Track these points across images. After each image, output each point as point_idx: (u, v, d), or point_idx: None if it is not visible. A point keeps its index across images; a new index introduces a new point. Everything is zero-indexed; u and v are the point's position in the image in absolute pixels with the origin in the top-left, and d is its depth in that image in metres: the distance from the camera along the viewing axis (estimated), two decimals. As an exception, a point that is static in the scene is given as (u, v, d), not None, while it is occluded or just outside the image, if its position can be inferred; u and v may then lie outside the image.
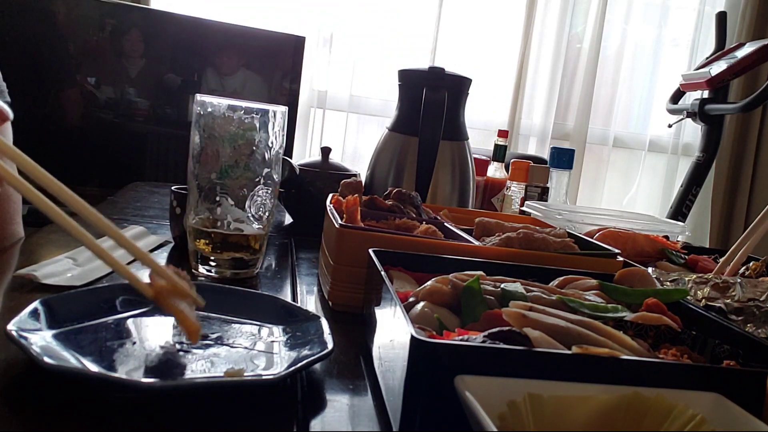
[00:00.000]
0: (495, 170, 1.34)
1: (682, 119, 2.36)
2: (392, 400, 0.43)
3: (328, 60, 2.48)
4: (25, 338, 0.44)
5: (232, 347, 0.52)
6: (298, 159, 1.19)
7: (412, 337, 0.38)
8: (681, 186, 2.36)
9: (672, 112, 2.38)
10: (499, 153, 1.34)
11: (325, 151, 1.16)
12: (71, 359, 0.44)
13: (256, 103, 0.73)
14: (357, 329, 0.61)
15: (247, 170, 0.73)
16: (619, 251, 0.73)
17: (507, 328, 0.41)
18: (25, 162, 0.43)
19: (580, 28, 2.75)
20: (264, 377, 0.46)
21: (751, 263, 0.80)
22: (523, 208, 1.11)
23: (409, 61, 2.41)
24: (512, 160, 1.31)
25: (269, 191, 0.75)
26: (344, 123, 2.54)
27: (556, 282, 0.59)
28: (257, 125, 0.73)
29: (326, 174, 1.11)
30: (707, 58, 2.26)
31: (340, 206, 0.77)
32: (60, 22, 1.75)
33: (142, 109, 1.85)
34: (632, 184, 2.91)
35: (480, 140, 2.23)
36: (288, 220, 1.19)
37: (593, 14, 2.69)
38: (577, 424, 0.35)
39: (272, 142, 0.74)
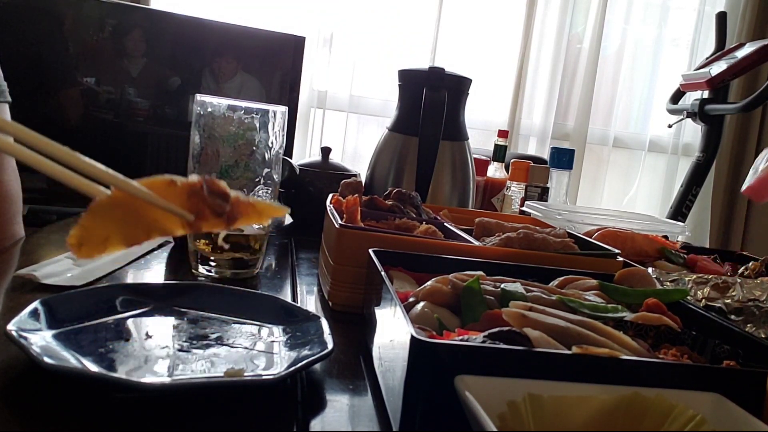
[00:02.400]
0: (495, 170, 1.34)
1: (682, 119, 2.36)
2: (392, 400, 0.43)
3: (328, 60, 2.48)
4: (25, 338, 0.44)
5: (232, 347, 0.52)
6: (298, 159, 1.19)
7: (412, 337, 0.38)
8: (681, 186, 2.35)
9: (672, 112, 2.38)
10: (499, 153, 1.34)
11: (325, 151, 1.16)
12: (71, 359, 0.44)
13: (256, 103, 0.73)
14: (357, 329, 0.61)
15: (247, 170, 0.73)
16: (618, 251, 0.73)
17: (507, 328, 0.41)
18: (20, 131, 0.36)
19: (580, 28, 2.75)
20: (264, 377, 0.46)
21: (750, 263, 0.80)
22: (523, 208, 1.11)
23: (409, 61, 2.41)
24: (512, 160, 1.31)
25: (269, 191, 0.75)
26: (344, 123, 2.54)
27: (556, 282, 0.59)
28: (257, 125, 0.73)
29: (326, 174, 1.11)
30: (707, 58, 2.26)
31: (340, 206, 0.77)
32: (60, 22, 1.75)
33: (142, 109, 1.84)
34: (632, 184, 2.91)
35: (480, 140, 2.23)
36: (288, 220, 1.19)
37: (593, 14, 2.69)
38: (577, 424, 0.35)
39: (272, 142, 0.74)
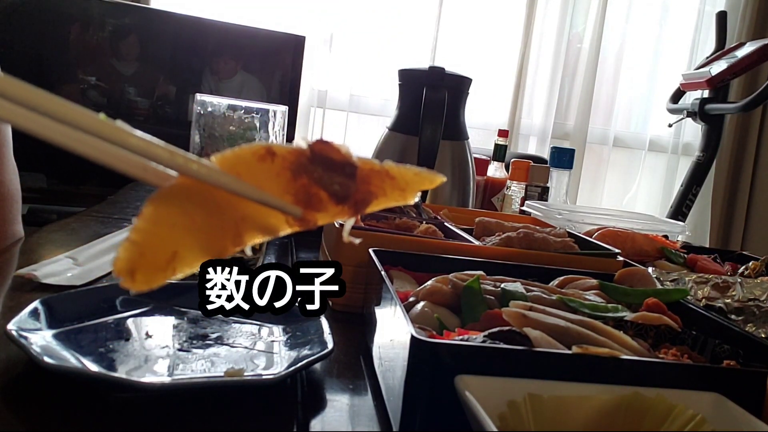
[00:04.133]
0: (495, 170, 1.34)
1: (683, 119, 2.36)
2: (392, 400, 0.43)
3: (328, 60, 2.48)
4: (25, 338, 0.44)
5: (232, 347, 0.52)
6: (298, 159, 1.19)
7: (412, 337, 0.38)
8: (681, 186, 2.35)
9: (672, 111, 2.38)
10: (499, 153, 1.34)
11: (325, 151, 1.15)
12: (71, 359, 0.44)
13: (256, 103, 0.73)
14: (357, 329, 0.61)
15: (247, 170, 0.73)
16: (619, 251, 0.73)
17: (507, 328, 0.41)
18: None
19: (580, 27, 2.75)
20: (264, 377, 0.46)
21: (750, 263, 0.80)
22: (523, 208, 1.11)
23: (409, 61, 2.41)
24: (512, 160, 1.31)
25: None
26: (344, 123, 2.54)
27: (556, 282, 0.59)
28: (257, 125, 0.73)
29: (326, 174, 1.10)
30: (707, 57, 2.26)
31: (340, 206, 0.77)
32: (60, 21, 1.75)
33: (142, 108, 1.84)
34: (632, 184, 2.91)
35: (480, 140, 2.23)
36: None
37: (593, 14, 2.69)
38: (577, 424, 0.35)
39: (272, 142, 0.74)
